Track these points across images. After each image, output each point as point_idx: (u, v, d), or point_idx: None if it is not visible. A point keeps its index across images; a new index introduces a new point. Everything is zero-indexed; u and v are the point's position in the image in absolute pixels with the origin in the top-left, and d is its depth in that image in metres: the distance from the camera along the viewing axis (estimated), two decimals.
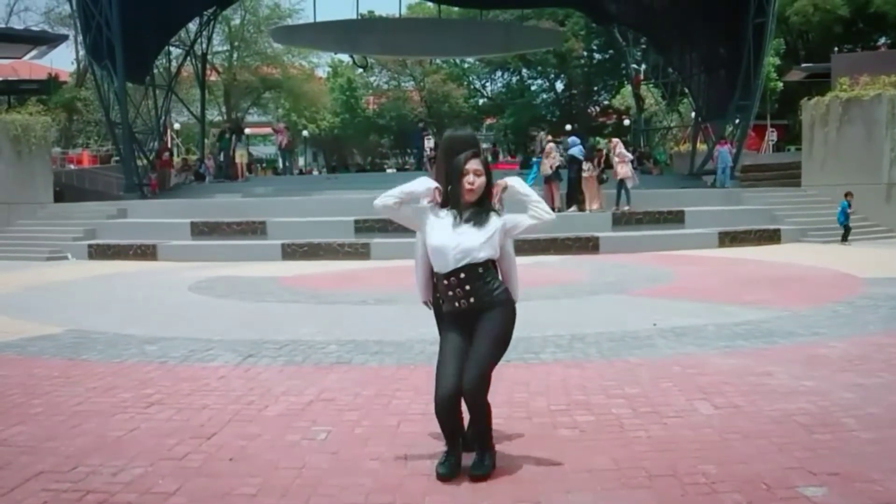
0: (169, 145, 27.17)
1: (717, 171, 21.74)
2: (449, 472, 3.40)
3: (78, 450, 3.84)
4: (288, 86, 44.07)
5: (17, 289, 11.05)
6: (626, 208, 16.25)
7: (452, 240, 3.42)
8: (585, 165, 16.60)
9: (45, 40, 30.66)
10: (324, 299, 9.47)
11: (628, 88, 35.08)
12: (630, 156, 17.85)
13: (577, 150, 16.99)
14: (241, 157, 24.54)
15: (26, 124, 18.88)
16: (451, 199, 3.51)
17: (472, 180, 3.44)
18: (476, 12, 34.71)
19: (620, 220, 15.94)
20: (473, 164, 3.45)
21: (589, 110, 50.63)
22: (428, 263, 3.58)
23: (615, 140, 18.38)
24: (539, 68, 48.72)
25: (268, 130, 47.58)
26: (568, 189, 16.93)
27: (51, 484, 3.39)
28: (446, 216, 3.49)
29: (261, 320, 7.87)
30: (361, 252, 14.60)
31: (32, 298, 10.09)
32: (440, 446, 3.80)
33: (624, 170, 16.57)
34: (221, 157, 25.43)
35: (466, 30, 32.29)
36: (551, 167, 16.55)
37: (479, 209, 3.48)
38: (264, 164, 35.86)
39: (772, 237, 15.70)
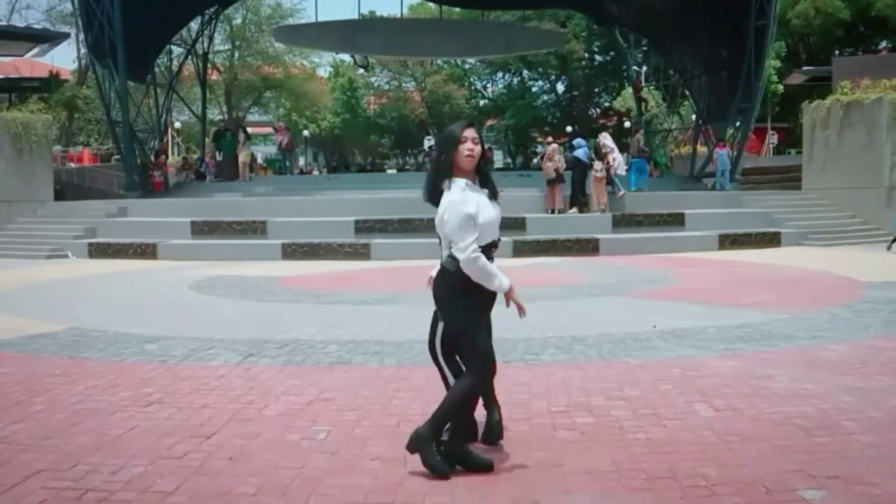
0: (167, 147, 27.11)
1: (717, 173, 21.77)
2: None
3: (78, 448, 3.84)
4: (289, 85, 44.09)
5: (17, 287, 11.04)
6: (621, 193, 16.47)
7: (496, 210, 3.51)
8: (598, 165, 16.65)
9: (47, 38, 30.67)
10: (324, 299, 9.47)
11: (629, 90, 35.09)
12: (612, 146, 17.91)
13: (581, 153, 16.99)
14: (245, 156, 24.41)
15: (27, 122, 18.88)
16: (442, 169, 3.47)
17: (472, 147, 3.44)
18: (477, 13, 34.68)
19: (621, 222, 15.94)
20: (471, 132, 3.46)
21: (590, 112, 50.64)
22: None
23: (603, 133, 18.44)
24: (540, 70, 48.74)
25: (268, 130, 47.61)
26: (571, 190, 16.93)
27: (50, 482, 3.40)
28: (469, 188, 3.46)
29: (261, 320, 7.87)
30: (362, 252, 14.60)
31: (33, 296, 10.09)
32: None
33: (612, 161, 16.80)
34: (219, 157, 25.27)
35: (468, 30, 32.25)
36: (556, 170, 16.55)
37: (480, 182, 3.54)
38: (264, 164, 35.83)
39: (772, 240, 15.70)
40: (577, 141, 17.90)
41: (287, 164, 29.59)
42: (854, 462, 3.53)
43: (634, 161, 19.89)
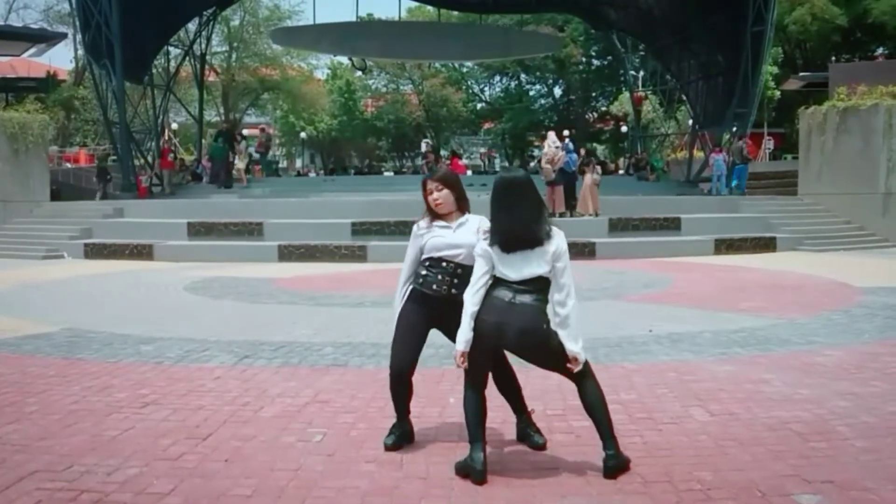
0: (170, 147, 26.97)
1: (713, 178, 21.85)
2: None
3: (73, 449, 3.84)
4: (286, 87, 44.10)
5: (12, 287, 11.02)
6: None
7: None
8: (599, 170, 16.81)
9: (44, 38, 30.64)
10: (320, 301, 9.46)
11: (626, 95, 35.16)
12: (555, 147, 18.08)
13: (568, 160, 17.11)
14: (243, 160, 24.14)
15: (24, 122, 18.87)
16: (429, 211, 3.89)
17: (436, 197, 3.77)
18: (475, 17, 34.75)
19: (617, 226, 15.98)
20: (431, 184, 3.80)
21: (587, 116, 50.70)
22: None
23: (550, 133, 18.40)
24: (537, 73, 48.80)
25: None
26: (565, 195, 16.96)
27: (45, 483, 3.39)
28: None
29: (257, 321, 7.86)
30: (358, 254, 14.60)
31: (28, 297, 10.07)
32: (435, 449, 3.82)
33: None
34: (210, 165, 24.70)
35: (465, 34, 32.31)
36: (553, 171, 16.60)
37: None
38: (261, 166, 35.72)
39: (767, 245, 15.73)
40: (567, 144, 18.03)
41: (267, 164, 29.01)
42: (849, 467, 3.53)
43: (737, 168, 21.10)
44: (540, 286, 3.44)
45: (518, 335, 3.39)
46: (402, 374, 3.80)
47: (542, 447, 3.83)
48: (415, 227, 3.87)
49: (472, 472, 3.39)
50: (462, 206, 3.82)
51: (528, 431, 3.90)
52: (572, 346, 3.41)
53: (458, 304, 3.58)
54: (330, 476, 3.49)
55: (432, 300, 3.73)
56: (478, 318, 3.42)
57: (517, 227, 3.40)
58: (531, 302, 3.40)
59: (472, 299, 3.45)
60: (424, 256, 3.79)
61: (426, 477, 3.48)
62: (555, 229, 3.48)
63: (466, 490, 3.31)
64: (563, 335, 3.41)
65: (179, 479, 3.45)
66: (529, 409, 3.95)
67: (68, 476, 3.47)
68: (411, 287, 3.82)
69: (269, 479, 3.45)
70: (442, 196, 3.76)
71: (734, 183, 21.03)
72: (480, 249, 3.49)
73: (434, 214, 3.82)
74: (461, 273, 3.68)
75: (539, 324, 3.42)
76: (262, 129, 30.68)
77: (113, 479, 3.43)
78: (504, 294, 3.41)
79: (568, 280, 3.43)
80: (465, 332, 3.43)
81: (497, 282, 3.46)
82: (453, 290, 3.68)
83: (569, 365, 3.45)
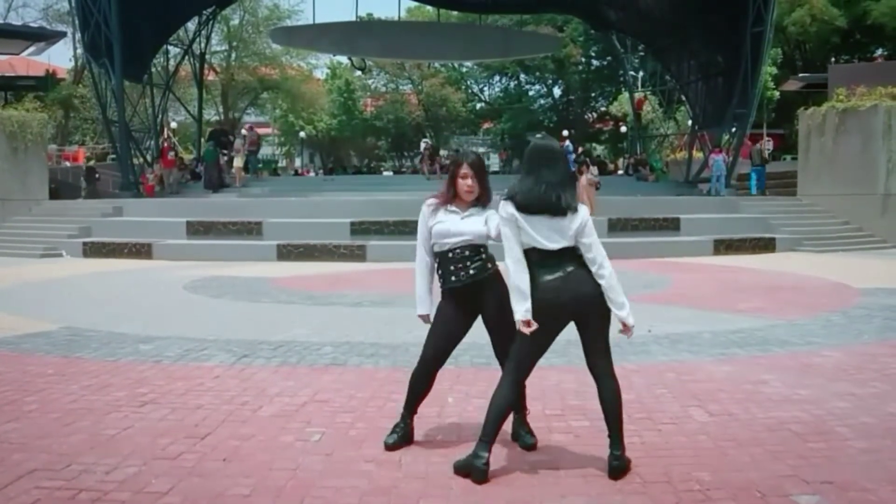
0: (170, 145, 26.88)
1: (712, 179, 21.86)
2: None
3: (71, 448, 3.83)
4: (286, 87, 44.09)
5: (11, 285, 11.01)
6: None
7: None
8: (594, 170, 16.85)
9: (43, 37, 30.61)
10: (319, 301, 9.46)
11: (625, 95, 35.15)
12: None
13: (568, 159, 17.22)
14: (240, 161, 24.01)
15: (23, 120, 18.86)
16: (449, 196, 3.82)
17: (471, 184, 3.72)
18: (475, 17, 34.76)
19: (616, 226, 15.98)
20: (467, 169, 3.73)
21: (586, 116, 50.70)
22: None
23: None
24: (537, 73, 48.78)
25: (265, 131, 47.54)
26: None
27: (44, 482, 3.39)
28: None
29: (255, 321, 7.86)
30: (357, 254, 14.60)
31: (27, 295, 10.06)
32: (435, 448, 3.81)
33: None
34: (202, 168, 24.43)
35: (465, 34, 32.32)
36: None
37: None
38: (261, 165, 35.72)
39: (766, 246, 15.74)
40: (566, 146, 18.12)
41: (266, 163, 28.83)
42: (848, 467, 3.54)
43: (755, 169, 21.80)
44: (575, 254, 3.47)
45: (590, 299, 3.42)
46: (430, 361, 3.82)
47: (532, 447, 3.82)
48: (424, 206, 3.84)
49: (474, 470, 3.38)
50: (483, 198, 3.80)
51: (520, 431, 3.90)
52: (620, 312, 3.45)
53: (483, 283, 3.70)
54: (328, 475, 3.49)
55: (460, 291, 3.74)
56: (538, 300, 3.37)
57: (539, 189, 3.42)
58: (583, 269, 3.45)
59: (516, 266, 3.41)
60: (435, 251, 3.79)
61: (425, 476, 3.48)
62: (580, 204, 3.52)
63: (466, 490, 3.31)
64: (611, 305, 3.45)
65: (178, 478, 3.44)
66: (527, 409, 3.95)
67: (67, 475, 3.47)
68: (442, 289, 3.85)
69: (267, 478, 3.45)
70: (475, 185, 3.74)
71: (757, 184, 21.47)
72: (505, 213, 3.46)
73: (453, 197, 3.78)
74: (470, 253, 3.72)
75: (598, 286, 3.45)
76: (251, 128, 30.61)
77: (111, 478, 3.43)
78: (551, 270, 3.41)
79: (599, 252, 3.48)
80: (525, 301, 3.37)
81: (533, 257, 3.43)
82: (471, 271, 3.70)
83: (621, 332, 3.49)
